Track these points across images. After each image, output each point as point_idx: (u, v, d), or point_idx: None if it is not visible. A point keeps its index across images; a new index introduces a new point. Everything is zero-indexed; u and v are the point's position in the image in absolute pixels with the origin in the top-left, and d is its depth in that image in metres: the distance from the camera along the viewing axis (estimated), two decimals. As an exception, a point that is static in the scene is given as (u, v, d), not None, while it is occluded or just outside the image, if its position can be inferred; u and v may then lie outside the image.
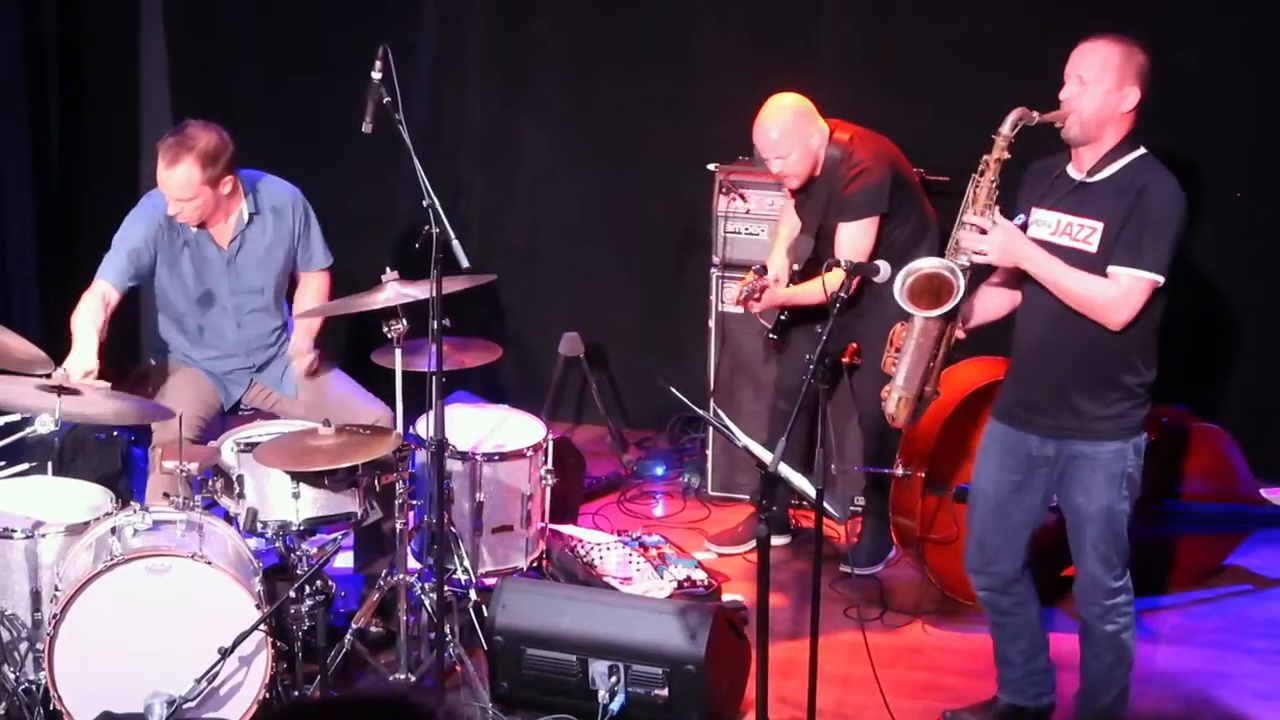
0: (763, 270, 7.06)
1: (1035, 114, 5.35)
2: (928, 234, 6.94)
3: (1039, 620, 5.80)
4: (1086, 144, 5.35)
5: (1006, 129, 5.37)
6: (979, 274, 5.55)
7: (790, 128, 6.82)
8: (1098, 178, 5.35)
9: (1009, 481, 5.59)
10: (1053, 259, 5.32)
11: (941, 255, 5.49)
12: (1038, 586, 5.81)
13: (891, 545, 7.16)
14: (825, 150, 6.87)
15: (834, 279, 5.53)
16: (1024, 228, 5.40)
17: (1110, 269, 5.26)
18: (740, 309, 7.21)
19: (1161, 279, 5.25)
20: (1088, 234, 5.32)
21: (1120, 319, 5.27)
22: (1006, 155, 5.38)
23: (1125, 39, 5.34)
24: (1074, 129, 5.33)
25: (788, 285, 7.08)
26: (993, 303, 5.61)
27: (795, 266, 7.09)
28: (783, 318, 7.15)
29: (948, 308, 5.40)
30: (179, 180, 6.32)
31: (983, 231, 5.35)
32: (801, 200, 7.05)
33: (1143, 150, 5.35)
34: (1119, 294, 5.25)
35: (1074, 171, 5.40)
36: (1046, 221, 5.42)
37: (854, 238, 6.83)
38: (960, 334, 5.54)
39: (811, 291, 6.87)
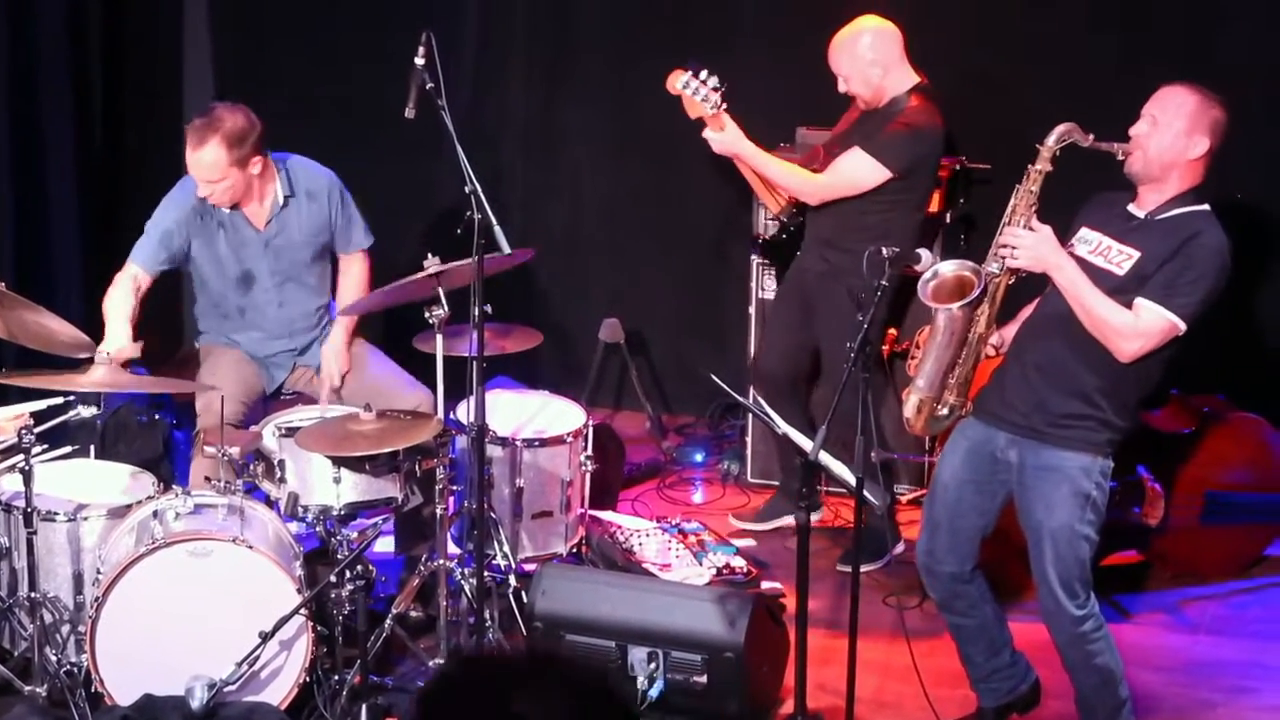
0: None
1: (1090, 136, 5.33)
2: (911, 234, 6.75)
3: (994, 619, 5.72)
4: (1148, 183, 5.32)
5: (1051, 141, 5.35)
6: (1022, 298, 5.55)
7: (854, 54, 6.74)
8: (1157, 219, 5.31)
9: (968, 481, 5.52)
10: (1081, 275, 5.27)
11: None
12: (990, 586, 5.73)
13: (898, 540, 7.12)
14: (895, 96, 6.77)
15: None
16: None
17: (1137, 300, 5.20)
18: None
19: (1184, 327, 5.19)
20: (1122, 259, 5.28)
21: (1130, 350, 5.20)
22: (1049, 168, 5.36)
23: (1207, 92, 5.31)
24: (1136, 164, 5.30)
25: (784, 215, 7.09)
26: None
27: (783, 217, 7.10)
28: (784, 236, 7.13)
29: (964, 302, 5.38)
30: (206, 162, 6.35)
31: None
32: (846, 131, 6.92)
33: (1207, 206, 5.31)
34: (1137, 326, 5.19)
35: (1135, 209, 5.36)
36: (1089, 240, 5.40)
37: (854, 166, 6.70)
38: (991, 350, 5.52)
39: (784, 171, 6.84)
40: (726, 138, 6.82)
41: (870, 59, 6.73)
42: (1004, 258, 5.36)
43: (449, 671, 2.82)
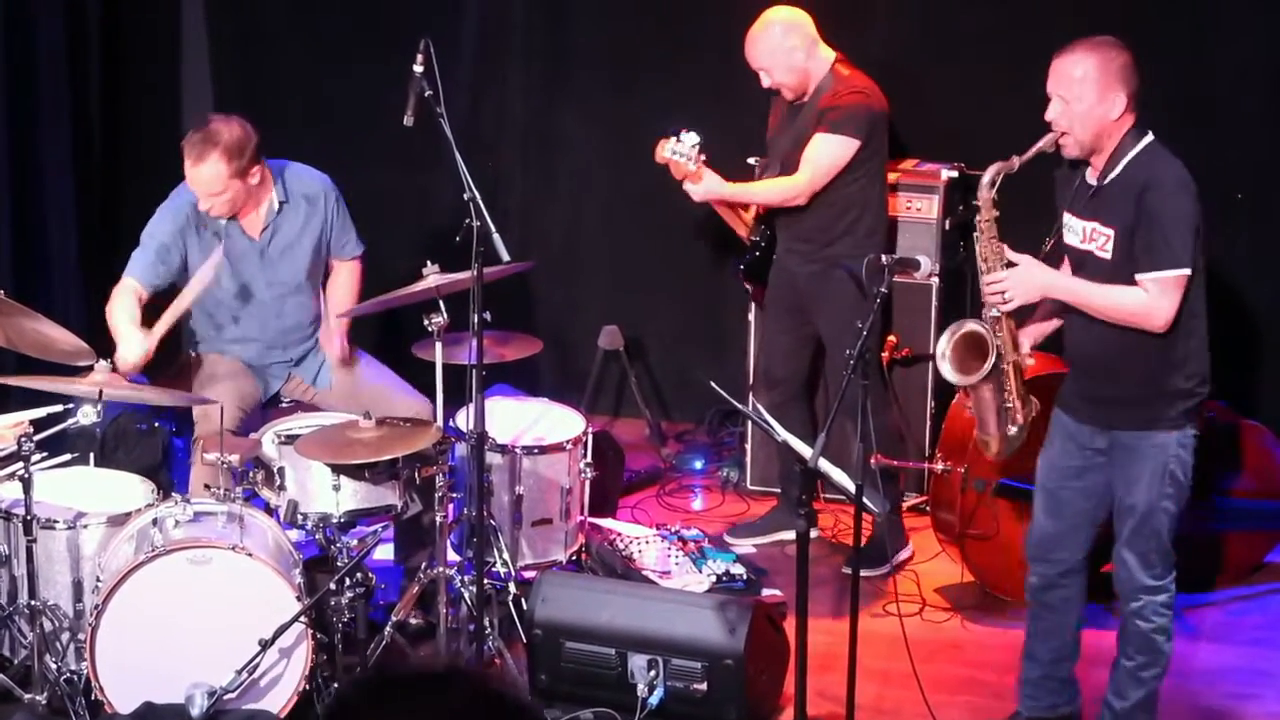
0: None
1: (1016, 159, 5.36)
2: (883, 202, 6.98)
3: (1075, 626, 5.75)
4: (1092, 155, 5.33)
5: (985, 191, 5.41)
6: None
7: (771, 44, 6.82)
8: (1108, 180, 5.32)
9: (1069, 468, 5.58)
10: (1076, 282, 5.34)
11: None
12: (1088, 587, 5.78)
13: (904, 544, 7.12)
14: (821, 75, 6.84)
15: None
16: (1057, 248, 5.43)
17: (1137, 277, 5.24)
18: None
19: (1188, 270, 5.21)
20: (1103, 241, 5.31)
21: (1160, 322, 5.24)
22: (995, 212, 5.42)
23: (1100, 43, 5.31)
24: (1073, 150, 5.33)
25: (755, 235, 7.18)
26: (1046, 319, 5.64)
27: (754, 236, 7.20)
28: (756, 254, 7.18)
29: (986, 370, 5.47)
30: (207, 176, 6.34)
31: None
32: (779, 127, 7.02)
33: (1148, 139, 5.30)
34: (1151, 300, 5.23)
35: (1090, 177, 5.39)
36: (1075, 228, 5.42)
37: (826, 150, 6.76)
38: (1029, 360, 5.59)
39: (766, 189, 6.96)
40: (707, 187, 6.90)
41: (789, 45, 6.80)
42: (997, 305, 5.42)
43: (345, 692, 2.81)
